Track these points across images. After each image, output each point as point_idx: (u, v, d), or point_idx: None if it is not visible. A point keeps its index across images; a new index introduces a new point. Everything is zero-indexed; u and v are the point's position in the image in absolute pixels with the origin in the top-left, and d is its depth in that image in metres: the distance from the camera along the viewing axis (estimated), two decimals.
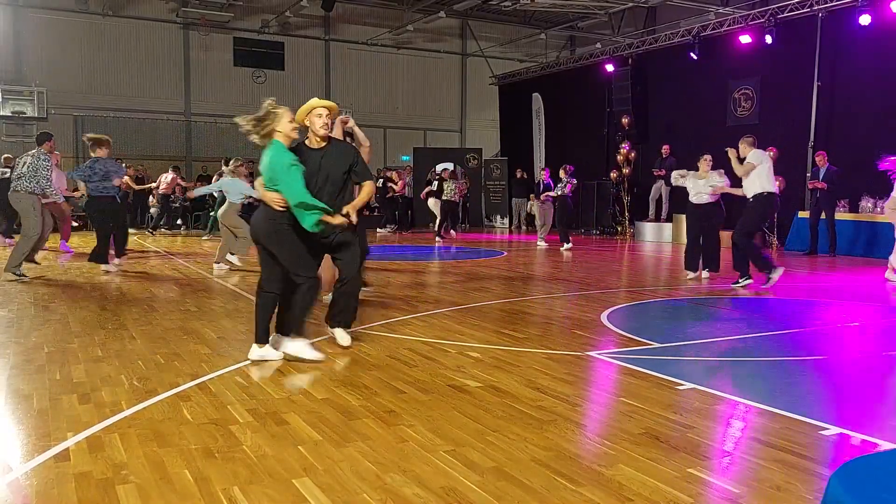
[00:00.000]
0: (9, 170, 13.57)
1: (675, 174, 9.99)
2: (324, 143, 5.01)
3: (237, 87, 22.63)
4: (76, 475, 3.02)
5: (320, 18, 23.17)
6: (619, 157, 17.53)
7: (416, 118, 25.33)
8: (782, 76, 14.84)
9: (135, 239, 14.55)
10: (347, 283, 5.22)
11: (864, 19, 12.99)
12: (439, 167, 20.45)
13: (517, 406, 3.97)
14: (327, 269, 5.85)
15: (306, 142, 5.05)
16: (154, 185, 17.27)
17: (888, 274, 9.43)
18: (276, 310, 5.04)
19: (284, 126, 4.71)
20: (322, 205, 4.63)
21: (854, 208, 13.10)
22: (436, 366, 4.85)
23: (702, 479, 3.02)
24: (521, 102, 22.32)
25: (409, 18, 22.15)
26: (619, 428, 3.63)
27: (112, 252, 10.05)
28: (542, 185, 14.83)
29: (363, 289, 7.74)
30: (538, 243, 14.77)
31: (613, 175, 17.95)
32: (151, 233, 17.09)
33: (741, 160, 8.64)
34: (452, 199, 16.74)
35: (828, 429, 3.62)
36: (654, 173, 16.63)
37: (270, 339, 5.01)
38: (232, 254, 10.27)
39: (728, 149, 8.76)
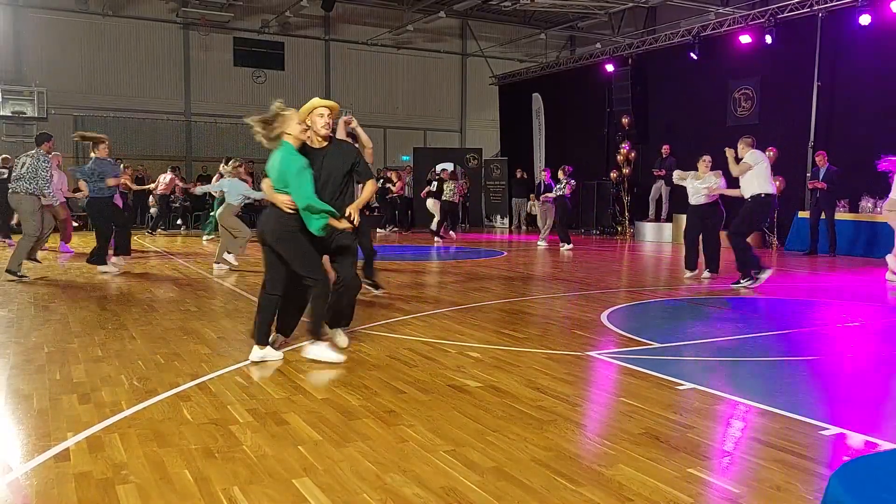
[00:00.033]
0: (6, 171, 13.59)
1: (676, 174, 10.02)
2: (325, 143, 5.01)
3: (237, 87, 22.64)
4: (76, 475, 3.02)
5: (320, 18, 23.17)
6: (619, 157, 17.54)
7: (416, 118, 25.33)
8: (782, 76, 14.84)
9: (135, 239, 14.55)
10: (345, 286, 5.23)
11: (864, 19, 12.99)
12: (439, 167, 20.45)
13: (517, 406, 3.97)
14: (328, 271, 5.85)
15: (308, 141, 5.05)
16: (152, 186, 17.27)
17: (888, 275, 9.44)
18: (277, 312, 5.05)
19: (294, 128, 4.70)
20: (330, 209, 4.63)
21: (854, 208, 13.10)
22: (436, 366, 4.85)
23: (702, 479, 3.02)
24: (521, 102, 22.32)
25: (409, 18, 22.15)
26: (619, 428, 3.63)
27: (111, 252, 10.02)
28: (542, 186, 14.84)
29: (374, 291, 7.75)
30: (539, 243, 14.79)
31: (613, 175, 17.95)
32: (151, 233, 17.09)
33: (739, 160, 8.65)
34: (452, 199, 16.74)
35: (828, 429, 3.62)
36: (654, 173, 16.63)
37: (270, 339, 5.02)
38: (229, 252, 10.26)
39: (727, 149, 8.77)
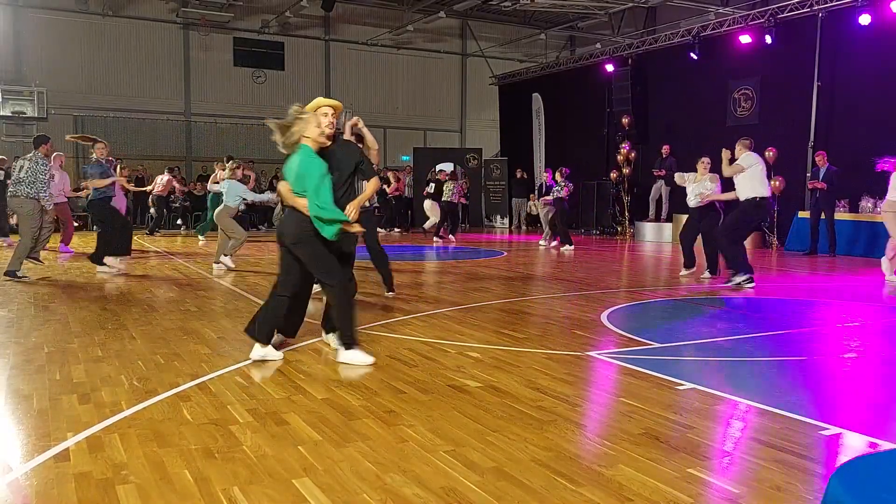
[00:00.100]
0: (2, 172, 13.60)
1: (676, 177, 10.08)
2: (329, 143, 5.02)
3: (237, 88, 22.64)
4: (76, 475, 3.02)
5: (320, 18, 23.17)
6: (619, 157, 17.53)
7: (416, 118, 25.33)
8: (782, 76, 14.84)
9: (135, 239, 14.54)
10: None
11: (864, 19, 13.00)
12: (439, 167, 20.44)
13: (517, 406, 3.97)
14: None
15: None
16: (150, 187, 17.25)
17: (889, 276, 9.45)
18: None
19: (312, 131, 4.70)
20: (343, 217, 4.64)
21: (854, 208, 13.10)
22: (436, 366, 4.85)
23: (702, 479, 3.02)
24: (521, 102, 22.32)
25: (409, 18, 22.15)
26: (619, 428, 3.63)
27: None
28: (544, 187, 14.85)
29: (387, 294, 7.77)
30: (540, 243, 14.84)
31: (613, 175, 17.95)
32: (149, 235, 17.07)
33: (734, 161, 8.68)
34: (451, 199, 16.73)
35: (828, 429, 3.62)
36: (654, 173, 16.64)
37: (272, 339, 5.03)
38: (225, 255, 10.19)
39: (724, 150, 8.81)
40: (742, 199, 8.62)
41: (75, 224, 14.66)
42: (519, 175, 21.20)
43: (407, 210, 21.25)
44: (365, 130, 6.67)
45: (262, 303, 7.20)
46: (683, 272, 9.75)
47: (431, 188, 17.71)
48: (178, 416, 3.78)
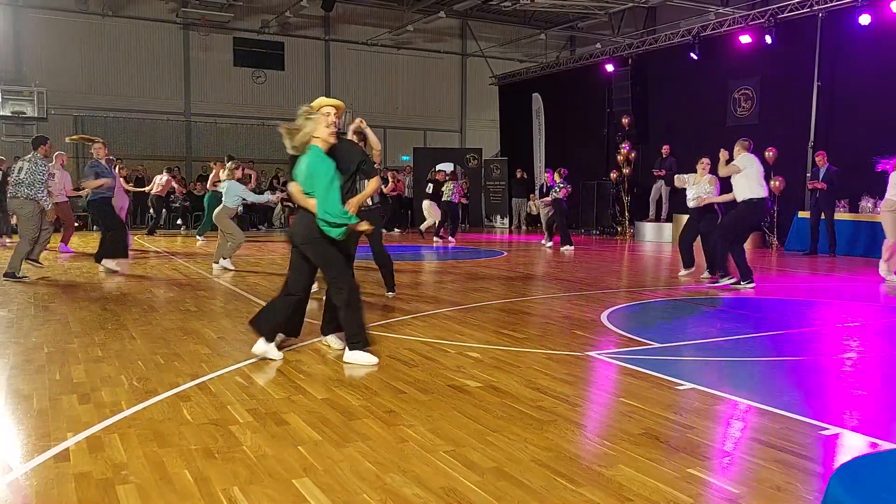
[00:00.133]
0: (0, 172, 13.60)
1: (676, 179, 10.09)
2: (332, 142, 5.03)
3: (237, 88, 22.64)
4: (76, 475, 3.02)
5: (320, 18, 23.17)
6: (619, 157, 17.53)
7: (416, 118, 25.33)
8: (782, 76, 14.84)
9: (135, 239, 14.55)
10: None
11: (864, 19, 13.00)
12: (439, 167, 20.44)
13: (517, 406, 3.97)
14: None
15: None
16: (148, 187, 17.23)
17: (889, 276, 9.45)
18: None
19: (322, 131, 4.71)
20: (350, 220, 4.65)
21: (854, 208, 13.10)
22: (436, 366, 4.85)
23: (702, 479, 3.02)
24: (521, 102, 22.32)
25: (408, 18, 22.16)
26: (619, 428, 3.63)
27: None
28: (545, 187, 14.88)
29: (387, 294, 7.77)
30: (542, 242, 14.87)
31: (613, 175, 17.95)
32: (149, 235, 17.05)
33: (730, 162, 8.71)
34: (451, 199, 16.71)
35: (828, 429, 3.62)
36: (655, 173, 16.64)
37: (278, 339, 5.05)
38: (224, 258, 10.15)
39: (722, 150, 8.83)
40: (739, 199, 8.64)
41: (76, 224, 14.66)
42: (519, 175, 21.20)
43: (407, 210, 21.23)
44: (368, 131, 6.70)
45: (262, 303, 7.22)
46: (683, 272, 9.77)
47: (430, 188, 17.69)
48: (178, 416, 3.78)
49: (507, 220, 22.25)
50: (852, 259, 12.33)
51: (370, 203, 6.92)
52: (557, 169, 14.20)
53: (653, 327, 6.41)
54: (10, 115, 19.48)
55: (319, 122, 4.70)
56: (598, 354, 5.21)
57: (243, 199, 10.38)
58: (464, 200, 18.07)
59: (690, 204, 9.49)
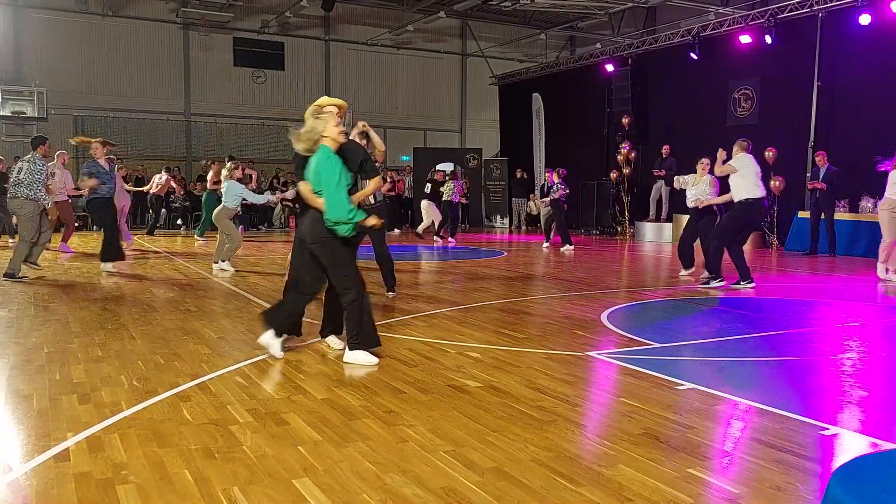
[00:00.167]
0: None
1: (676, 181, 10.10)
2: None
3: (237, 88, 22.62)
4: (76, 475, 3.02)
5: (320, 18, 23.16)
6: (619, 157, 17.54)
7: (416, 118, 25.33)
8: (782, 76, 14.84)
9: (135, 239, 14.55)
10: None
11: (864, 19, 13.00)
12: (438, 167, 20.43)
13: (517, 406, 3.97)
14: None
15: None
16: (147, 187, 17.22)
17: (889, 275, 9.45)
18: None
19: (331, 130, 4.71)
20: (358, 216, 4.65)
21: (854, 208, 13.10)
22: (436, 366, 4.85)
23: (702, 479, 3.02)
24: (521, 102, 22.32)
25: (409, 18, 22.15)
26: (619, 428, 3.63)
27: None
28: (546, 187, 14.89)
29: (388, 294, 7.77)
30: (544, 244, 14.89)
31: (613, 175, 17.95)
32: (149, 235, 17.04)
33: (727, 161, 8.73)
34: (451, 199, 16.70)
35: (828, 429, 3.62)
36: (655, 173, 16.64)
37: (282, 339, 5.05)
38: (223, 260, 10.12)
39: (720, 150, 8.84)
40: (736, 200, 8.65)
41: (76, 224, 14.66)
42: (519, 175, 21.19)
43: (406, 210, 21.22)
44: (371, 132, 6.71)
45: (262, 303, 7.22)
46: (683, 272, 9.78)
47: (428, 188, 17.67)
48: (178, 416, 3.78)
49: (507, 221, 22.26)
50: (852, 259, 12.33)
51: (372, 202, 6.92)
52: (556, 169, 14.22)
53: (653, 327, 6.41)
54: (10, 115, 19.48)
55: (329, 120, 4.71)
56: (598, 354, 5.21)
57: (243, 199, 10.37)
58: (464, 200, 18.07)
59: (690, 204, 9.52)
